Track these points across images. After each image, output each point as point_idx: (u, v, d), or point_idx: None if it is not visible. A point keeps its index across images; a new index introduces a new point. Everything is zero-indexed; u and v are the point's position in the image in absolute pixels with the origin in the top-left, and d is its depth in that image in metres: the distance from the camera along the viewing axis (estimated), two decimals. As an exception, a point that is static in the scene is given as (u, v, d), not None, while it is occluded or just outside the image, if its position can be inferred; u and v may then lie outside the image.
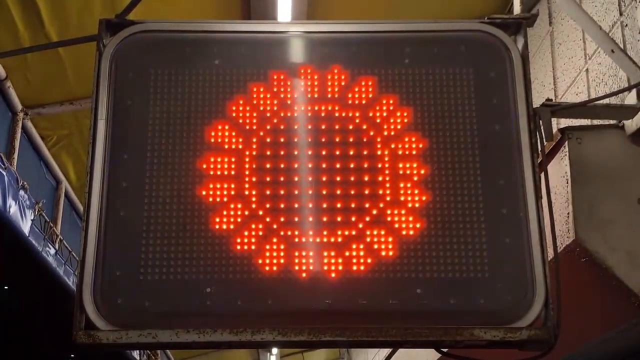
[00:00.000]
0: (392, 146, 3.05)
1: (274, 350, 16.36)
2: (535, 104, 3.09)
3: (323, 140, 3.06)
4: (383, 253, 2.92)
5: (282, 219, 2.96)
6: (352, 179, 3.01)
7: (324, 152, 3.04)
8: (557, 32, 4.80)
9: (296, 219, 2.96)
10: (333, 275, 2.90)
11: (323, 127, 3.08)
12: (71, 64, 6.50)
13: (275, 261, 2.91)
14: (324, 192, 3.00)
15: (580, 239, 3.22)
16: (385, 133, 3.06)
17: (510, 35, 3.16)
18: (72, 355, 9.84)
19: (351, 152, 3.04)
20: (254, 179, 3.00)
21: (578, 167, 3.31)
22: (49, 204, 7.76)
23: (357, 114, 3.09)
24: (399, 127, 3.07)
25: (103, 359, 9.13)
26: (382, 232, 2.95)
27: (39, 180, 7.45)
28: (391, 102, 3.10)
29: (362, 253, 2.92)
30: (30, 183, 6.28)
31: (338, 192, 3.00)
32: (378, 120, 3.07)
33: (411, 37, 3.18)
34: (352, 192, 2.99)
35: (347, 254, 2.92)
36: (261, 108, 3.09)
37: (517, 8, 3.42)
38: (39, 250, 6.38)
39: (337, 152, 3.04)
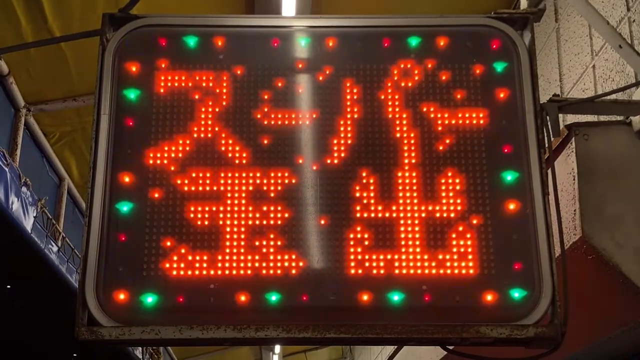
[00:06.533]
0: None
1: (277, 350, 16.35)
2: (541, 100, 3.06)
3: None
4: (388, 250, 2.90)
5: (286, 215, 2.94)
6: (358, 176, 2.98)
7: (328, 154, 3.02)
8: (563, 29, 4.77)
9: (300, 216, 2.94)
10: (337, 271, 2.88)
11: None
12: (74, 61, 6.48)
13: (279, 257, 2.89)
14: (326, 192, 2.97)
15: (587, 236, 3.19)
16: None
17: (517, 30, 3.14)
18: (75, 355, 9.82)
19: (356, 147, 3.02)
20: (258, 174, 2.98)
21: (585, 164, 3.28)
22: (52, 201, 7.74)
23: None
24: (404, 122, 3.04)
25: (106, 357, 9.13)
26: (387, 229, 2.92)
27: (41, 177, 7.43)
28: (397, 97, 3.07)
29: (367, 249, 2.90)
30: (32, 180, 6.26)
31: (341, 193, 2.97)
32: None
33: (417, 31, 3.16)
34: (357, 188, 2.97)
35: (352, 250, 2.90)
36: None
37: (523, 3, 3.39)
38: (41, 248, 6.36)
39: (342, 148, 3.02)
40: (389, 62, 3.12)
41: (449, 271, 2.87)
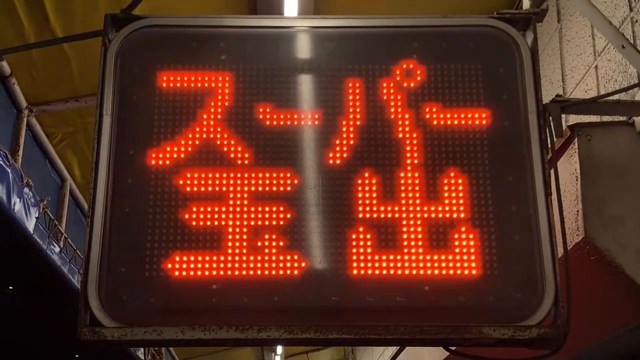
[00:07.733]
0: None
1: (279, 350, 16.36)
2: (543, 101, 3.06)
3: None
4: (391, 250, 2.89)
5: (288, 215, 2.93)
6: (360, 176, 2.98)
7: (331, 154, 3.02)
8: (565, 29, 4.76)
9: (303, 216, 2.94)
10: (340, 272, 2.88)
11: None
12: (77, 61, 6.48)
13: (281, 258, 2.89)
14: (328, 192, 2.97)
15: (589, 236, 3.19)
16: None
17: (519, 30, 3.14)
18: (77, 355, 9.82)
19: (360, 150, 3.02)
20: (260, 175, 2.98)
21: (588, 164, 3.28)
22: (54, 202, 7.75)
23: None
24: (407, 122, 3.04)
25: (108, 358, 9.13)
26: (389, 230, 2.92)
27: (43, 178, 7.43)
28: (399, 97, 3.07)
29: (369, 250, 2.90)
30: (34, 181, 6.25)
31: (344, 193, 2.97)
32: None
33: (419, 32, 3.16)
34: (359, 188, 2.97)
35: (354, 250, 2.89)
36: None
37: (526, 3, 3.39)
38: (43, 248, 6.36)
39: (345, 148, 3.02)
40: (391, 63, 3.11)
41: (451, 272, 2.87)
